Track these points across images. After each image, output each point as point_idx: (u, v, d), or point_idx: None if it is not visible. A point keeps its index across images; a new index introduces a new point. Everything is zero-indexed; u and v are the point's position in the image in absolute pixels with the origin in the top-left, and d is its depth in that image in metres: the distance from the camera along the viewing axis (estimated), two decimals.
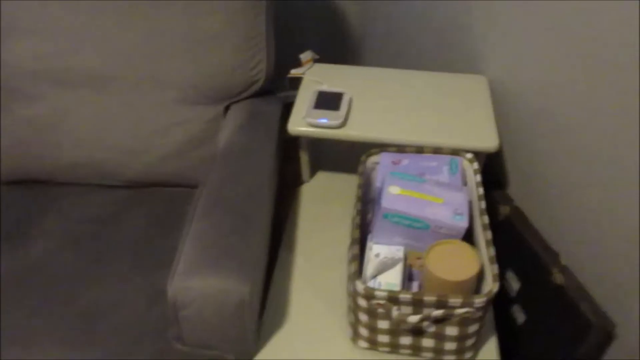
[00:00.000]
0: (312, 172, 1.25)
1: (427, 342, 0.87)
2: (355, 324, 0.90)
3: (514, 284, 1.12)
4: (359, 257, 0.89)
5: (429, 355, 0.89)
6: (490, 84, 1.19)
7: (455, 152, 1.03)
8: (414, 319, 0.82)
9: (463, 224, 0.88)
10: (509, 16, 1.10)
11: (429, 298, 0.80)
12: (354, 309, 0.87)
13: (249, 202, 0.96)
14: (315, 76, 1.21)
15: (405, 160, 1.03)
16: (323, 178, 1.25)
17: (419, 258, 0.93)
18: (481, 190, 0.96)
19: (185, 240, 0.89)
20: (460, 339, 0.85)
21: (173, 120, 1.14)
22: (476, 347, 0.90)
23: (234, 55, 1.12)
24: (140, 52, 1.10)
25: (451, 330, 0.84)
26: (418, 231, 0.91)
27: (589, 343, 0.94)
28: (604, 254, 0.97)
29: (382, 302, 0.82)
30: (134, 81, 1.11)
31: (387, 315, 0.84)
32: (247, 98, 1.17)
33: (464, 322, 0.82)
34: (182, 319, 0.85)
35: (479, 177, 0.98)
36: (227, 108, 1.16)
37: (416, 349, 0.89)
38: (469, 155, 1.02)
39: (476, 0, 1.19)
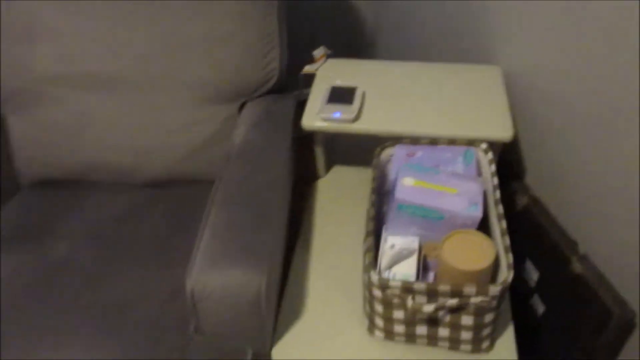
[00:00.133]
0: (328, 167, 1.26)
1: (443, 332, 0.87)
2: (371, 315, 0.90)
3: (533, 274, 1.11)
4: (374, 249, 0.90)
5: (445, 344, 0.89)
6: (505, 74, 1.18)
7: (470, 143, 1.03)
8: (429, 308, 0.82)
9: (477, 213, 0.88)
10: (523, 4, 1.09)
11: (443, 287, 0.81)
12: (370, 299, 0.88)
13: (265, 196, 0.97)
14: (328, 72, 1.22)
15: (420, 152, 1.03)
16: (339, 173, 1.26)
17: (434, 248, 0.93)
18: (496, 180, 0.95)
19: (202, 234, 0.91)
20: (476, 328, 0.85)
21: (190, 119, 1.16)
22: (493, 337, 0.89)
23: (248, 54, 1.14)
24: (156, 54, 1.12)
25: (467, 320, 0.84)
26: (433, 222, 0.91)
27: (609, 332, 0.93)
28: (623, 242, 0.96)
29: (396, 292, 0.83)
30: (151, 82, 1.14)
31: (402, 306, 0.85)
32: (261, 96, 1.19)
33: (479, 311, 0.82)
34: (200, 311, 0.86)
35: (493, 167, 0.98)
36: (241, 106, 1.18)
37: (432, 339, 0.89)
38: (484, 146, 1.02)
39: None
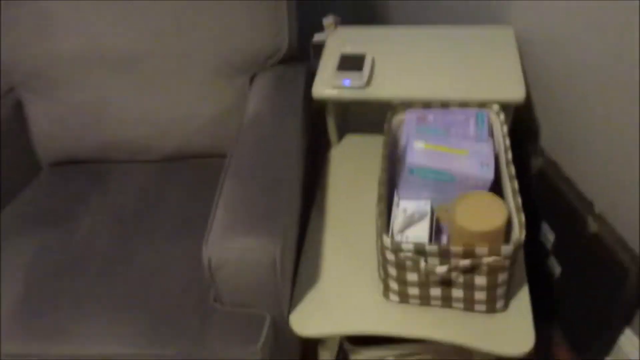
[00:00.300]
0: (341, 136, 1.26)
1: (457, 293, 0.88)
2: (385, 279, 0.91)
3: (550, 236, 1.10)
4: (387, 214, 0.91)
5: (460, 305, 0.90)
6: (518, 35, 1.16)
7: (482, 105, 1.02)
8: (441, 269, 0.82)
9: (489, 174, 0.88)
10: None
11: (455, 248, 0.81)
12: (383, 263, 0.89)
13: (278, 166, 0.98)
14: (338, 40, 1.21)
15: (431, 116, 1.03)
16: (352, 141, 1.26)
17: (447, 211, 0.94)
18: (508, 142, 0.94)
19: (216, 204, 0.92)
20: (490, 288, 0.85)
21: (204, 92, 1.17)
22: (507, 297, 0.90)
23: (257, 24, 1.14)
24: (169, 30, 1.13)
25: (480, 280, 0.84)
26: (445, 184, 0.91)
27: (626, 289, 0.92)
28: (637, 200, 0.94)
29: (409, 255, 0.83)
30: (166, 58, 1.15)
31: (415, 268, 0.85)
32: (272, 66, 1.19)
33: (492, 271, 0.83)
34: (218, 280, 0.88)
35: (505, 129, 0.97)
36: (252, 77, 1.18)
37: (447, 300, 0.90)
38: (496, 108, 1.01)
39: None
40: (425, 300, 0.91)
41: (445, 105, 1.03)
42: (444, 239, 0.95)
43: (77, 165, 1.24)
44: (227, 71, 1.16)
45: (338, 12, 1.26)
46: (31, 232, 1.08)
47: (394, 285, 0.91)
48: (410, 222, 0.91)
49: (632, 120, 0.92)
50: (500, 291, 0.87)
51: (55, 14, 1.12)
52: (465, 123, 1.00)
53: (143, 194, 1.14)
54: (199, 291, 0.94)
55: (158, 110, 1.18)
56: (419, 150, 0.91)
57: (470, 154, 0.91)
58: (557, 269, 1.10)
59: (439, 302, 0.91)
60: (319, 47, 1.22)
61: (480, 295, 0.87)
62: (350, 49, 1.16)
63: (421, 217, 0.91)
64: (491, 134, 1.00)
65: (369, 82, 1.09)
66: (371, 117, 1.28)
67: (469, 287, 0.86)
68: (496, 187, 0.91)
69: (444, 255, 0.83)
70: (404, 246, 0.83)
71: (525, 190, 0.89)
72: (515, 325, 0.89)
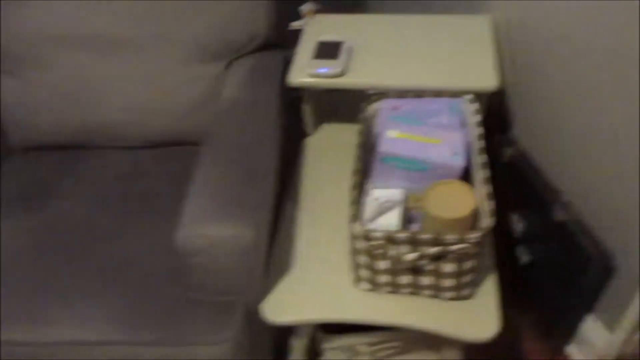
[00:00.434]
0: (317, 125, 1.27)
1: (426, 280, 0.89)
2: (356, 267, 0.93)
3: (519, 225, 1.13)
4: (359, 202, 0.92)
5: (429, 292, 0.92)
6: (495, 24, 1.17)
7: (456, 94, 1.03)
8: (411, 256, 0.84)
9: (460, 163, 0.89)
10: None
11: (424, 236, 0.82)
12: (355, 251, 0.90)
13: (253, 152, 0.98)
14: (315, 27, 1.21)
15: (406, 105, 1.03)
16: (328, 129, 1.26)
17: (418, 200, 0.95)
18: (480, 131, 0.96)
19: (191, 190, 0.92)
20: (458, 275, 0.87)
21: (182, 78, 1.16)
22: (474, 284, 0.92)
23: (236, 10, 1.13)
24: (147, 13, 1.12)
25: (448, 267, 0.86)
26: (416, 173, 0.92)
27: (589, 276, 0.95)
28: (605, 189, 0.97)
29: (380, 242, 0.85)
30: (143, 42, 1.14)
31: (385, 256, 0.87)
32: (249, 53, 1.18)
33: (460, 258, 0.84)
34: (191, 267, 0.89)
35: (478, 118, 0.98)
36: (229, 64, 1.18)
37: (416, 287, 0.92)
38: (469, 97, 1.02)
39: None
40: (395, 288, 0.93)
41: (419, 94, 1.04)
42: (415, 228, 0.96)
43: (52, 151, 1.22)
44: (204, 57, 1.15)
45: (316, 0, 1.26)
46: (6, 214, 1.07)
47: (364, 273, 0.92)
48: (381, 210, 0.92)
49: (600, 112, 0.94)
50: (468, 278, 0.89)
51: None
52: (439, 112, 1.01)
53: (119, 180, 1.14)
54: (173, 278, 0.95)
55: (136, 95, 1.17)
56: (391, 139, 0.92)
57: (443, 142, 0.92)
58: (525, 257, 1.12)
59: (408, 290, 0.93)
60: (297, 33, 1.22)
61: (448, 283, 0.89)
62: (327, 37, 1.16)
63: (393, 206, 0.92)
64: (464, 123, 1.01)
65: (345, 70, 1.09)
66: (348, 106, 1.29)
67: (438, 275, 0.88)
68: (468, 176, 0.92)
69: (414, 243, 0.84)
70: (375, 234, 0.84)
71: (496, 180, 0.91)
72: (481, 312, 0.91)
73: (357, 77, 1.08)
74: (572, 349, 1.18)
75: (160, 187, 1.11)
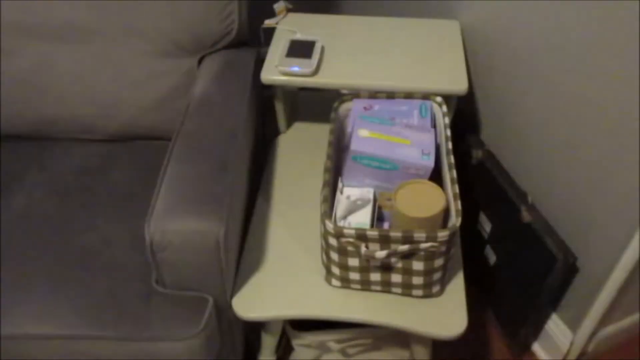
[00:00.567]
0: (289, 123, 1.27)
1: (396, 278, 0.90)
2: (328, 264, 0.93)
3: (487, 226, 1.15)
4: (331, 200, 0.92)
5: (398, 290, 0.93)
6: (464, 29, 1.19)
7: (426, 96, 1.05)
8: (381, 254, 0.85)
9: (429, 163, 0.91)
10: None
11: (395, 234, 0.83)
12: (326, 248, 0.90)
13: (223, 148, 0.98)
14: (288, 26, 1.21)
15: (377, 105, 1.05)
16: (300, 128, 1.27)
17: (389, 199, 0.96)
18: (449, 132, 0.97)
19: (160, 185, 0.91)
20: (427, 273, 0.88)
21: (151, 72, 1.14)
22: (443, 282, 0.93)
23: (207, 5, 1.12)
24: (118, 5, 1.09)
25: (418, 265, 0.87)
26: (387, 172, 0.93)
27: (553, 276, 0.98)
28: (568, 192, 1.00)
29: (351, 240, 0.85)
30: (112, 34, 1.12)
31: (356, 253, 0.87)
32: (221, 49, 1.18)
33: (429, 256, 0.86)
34: (160, 262, 0.88)
35: (447, 120, 1.00)
36: (201, 60, 1.17)
37: (386, 285, 0.92)
38: (439, 99, 1.04)
39: None
40: (365, 285, 0.93)
41: (391, 95, 1.05)
42: (385, 226, 0.98)
43: (17, 142, 1.19)
44: (174, 51, 1.14)
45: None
46: None
47: (335, 270, 0.92)
48: (353, 208, 0.93)
49: (564, 116, 0.97)
50: (436, 276, 0.90)
51: None
52: (410, 113, 1.03)
53: (84, 174, 1.12)
54: (141, 273, 0.93)
55: (102, 87, 1.14)
56: (362, 138, 0.93)
57: (413, 143, 0.93)
58: (492, 257, 1.15)
59: (378, 287, 0.94)
60: (270, 31, 1.22)
61: (417, 280, 0.90)
62: (300, 36, 1.17)
63: (364, 204, 0.93)
64: (434, 124, 1.03)
65: (317, 70, 1.10)
66: (321, 105, 1.30)
67: (407, 272, 0.89)
68: (437, 176, 0.94)
69: (384, 241, 0.85)
70: (346, 231, 0.85)
71: (465, 181, 0.93)
72: (449, 310, 0.92)
73: (329, 77, 1.09)
74: (536, 348, 1.21)
75: (128, 181, 1.10)
